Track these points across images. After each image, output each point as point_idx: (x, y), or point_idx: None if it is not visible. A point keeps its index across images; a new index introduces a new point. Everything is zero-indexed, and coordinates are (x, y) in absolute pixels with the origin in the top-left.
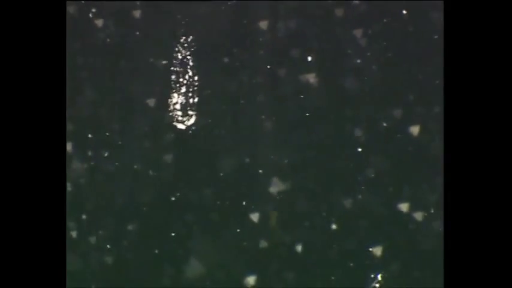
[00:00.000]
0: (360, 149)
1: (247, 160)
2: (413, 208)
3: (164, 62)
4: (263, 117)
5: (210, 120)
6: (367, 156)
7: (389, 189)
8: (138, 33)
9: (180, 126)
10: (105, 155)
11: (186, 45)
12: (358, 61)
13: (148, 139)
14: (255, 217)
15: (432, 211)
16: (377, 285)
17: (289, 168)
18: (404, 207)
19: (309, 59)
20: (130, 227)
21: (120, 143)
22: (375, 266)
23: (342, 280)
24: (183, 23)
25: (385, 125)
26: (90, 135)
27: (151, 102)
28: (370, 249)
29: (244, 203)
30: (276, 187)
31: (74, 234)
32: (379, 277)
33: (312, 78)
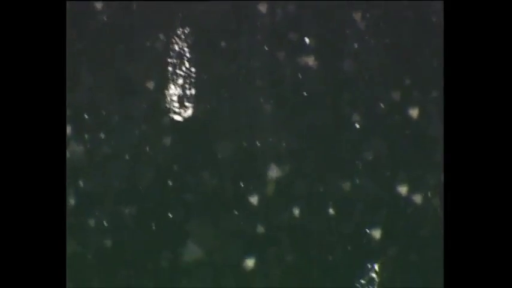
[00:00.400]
0: (358, 131)
1: (245, 143)
2: (413, 190)
3: (162, 45)
4: (261, 100)
5: (208, 105)
6: (367, 139)
7: (388, 172)
8: (136, 15)
9: (178, 110)
10: (102, 137)
11: (184, 29)
12: (356, 45)
13: (146, 122)
14: (254, 200)
15: (430, 194)
16: (374, 274)
17: (287, 151)
18: (403, 190)
19: (307, 42)
20: (127, 210)
21: (117, 125)
22: (373, 249)
23: (340, 261)
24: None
25: (383, 107)
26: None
27: (150, 85)
28: (368, 231)
29: (242, 185)
30: (274, 170)
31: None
32: (376, 267)
33: (310, 61)
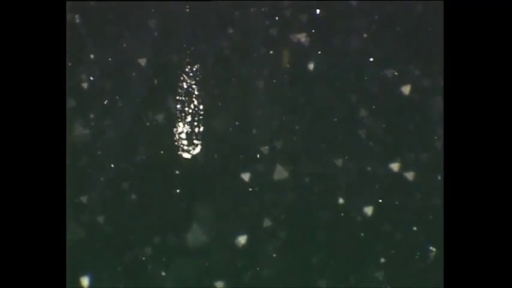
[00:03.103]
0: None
1: (240, 121)
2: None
3: (155, 22)
4: (256, 71)
5: (203, 83)
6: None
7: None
8: None
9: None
10: (102, 115)
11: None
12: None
13: (141, 100)
14: (245, 176)
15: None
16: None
17: (282, 130)
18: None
19: (302, 19)
20: (123, 189)
21: (114, 104)
22: (368, 225)
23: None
24: None
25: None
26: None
27: (142, 61)
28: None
29: (236, 163)
30: (269, 148)
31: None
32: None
33: (303, 37)
